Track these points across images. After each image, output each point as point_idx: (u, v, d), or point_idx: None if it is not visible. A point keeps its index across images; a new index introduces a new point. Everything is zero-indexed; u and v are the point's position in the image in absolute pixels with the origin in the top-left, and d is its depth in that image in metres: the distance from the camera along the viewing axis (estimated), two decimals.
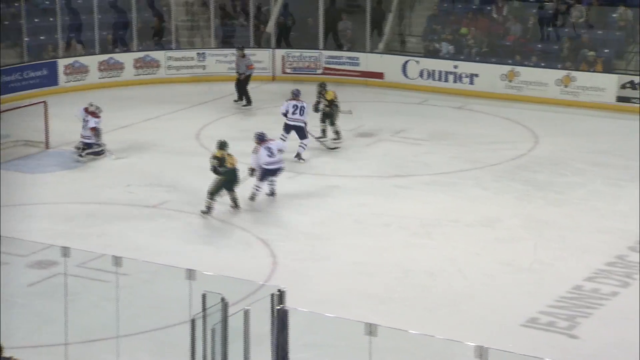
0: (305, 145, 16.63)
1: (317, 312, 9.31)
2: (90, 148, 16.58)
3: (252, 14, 22.69)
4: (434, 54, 22.14)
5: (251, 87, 20.52)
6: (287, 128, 16.70)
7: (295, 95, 16.88)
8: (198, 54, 22.29)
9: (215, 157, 14.17)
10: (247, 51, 22.06)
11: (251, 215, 14.17)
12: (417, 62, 21.78)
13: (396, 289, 11.83)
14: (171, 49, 22.21)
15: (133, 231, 13.51)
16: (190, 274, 8.61)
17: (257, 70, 22.43)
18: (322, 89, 17.78)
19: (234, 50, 22.35)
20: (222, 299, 7.92)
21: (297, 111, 16.60)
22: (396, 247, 13.12)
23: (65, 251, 9.33)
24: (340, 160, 16.87)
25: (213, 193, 14.01)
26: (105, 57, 21.30)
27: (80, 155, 16.50)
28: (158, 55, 22.00)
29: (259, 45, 22.66)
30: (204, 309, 7.93)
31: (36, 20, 21.13)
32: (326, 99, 17.50)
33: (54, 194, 15.02)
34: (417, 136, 18.23)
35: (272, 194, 14.79)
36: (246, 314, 7.99)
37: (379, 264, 12.53)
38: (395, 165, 16.69)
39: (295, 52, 22.58)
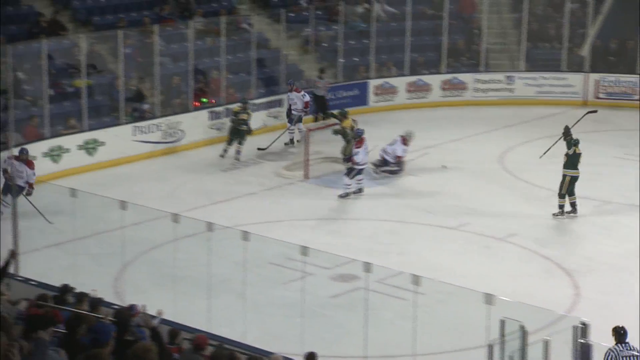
0: None
1: None
2: (387, 166, 16.89)
3: (566, 37, 22.04)
4: None
5: (559, 111, 19.87)
6: None
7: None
8: (507, 76, 22.03)
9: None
10: (559, 75, 21.51)
11: (554, 244, 13.69)
12: None
13: None
14: (479, 71, 22.15)
15: (432, 251, 13.55)
16: (489, 298, 8.44)
17: (567, 94, 21.77)
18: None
19: (544, 74, 21.86)
20: (522, 327, 7.71)
21: None
22: None
23: (367, 267, 9.53)
24: None
25: None
26: (414, 78, 21.66)
27: (376, 172, 16.87)
28: (465, 77, 22.03)
29: (572, 69, 21.98)
30: (502, 335, 7.74)
31: (351, 42, 21.98)
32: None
33: (357, 210, 15.45)
34: None
35: None
36: (546, 344, 7.71)
37: None
38: None
39: (611, 77, 21.60)
